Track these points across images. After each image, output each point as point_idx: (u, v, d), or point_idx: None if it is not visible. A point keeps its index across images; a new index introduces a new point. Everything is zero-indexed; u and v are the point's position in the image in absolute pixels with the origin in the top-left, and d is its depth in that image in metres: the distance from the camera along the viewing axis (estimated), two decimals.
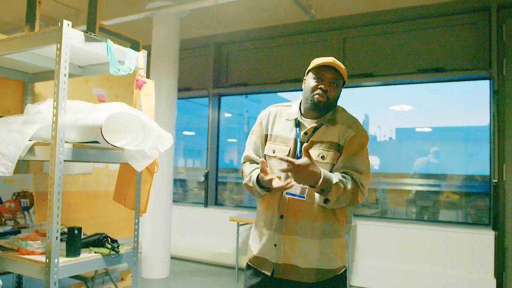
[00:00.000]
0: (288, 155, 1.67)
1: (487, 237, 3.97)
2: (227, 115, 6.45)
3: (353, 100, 5.64)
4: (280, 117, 1.79)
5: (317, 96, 1.67)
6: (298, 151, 1.68)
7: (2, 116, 2.22)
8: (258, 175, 1.67)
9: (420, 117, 5.61)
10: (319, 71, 1.69)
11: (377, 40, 4.87)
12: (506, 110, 4.12)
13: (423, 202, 4.95)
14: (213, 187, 5.74)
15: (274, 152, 1.72)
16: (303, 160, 1.48)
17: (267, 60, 5.51)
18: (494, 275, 3.90)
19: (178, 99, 4.92)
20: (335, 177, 1.55)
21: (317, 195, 1.60)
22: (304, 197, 1.62)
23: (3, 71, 2.62)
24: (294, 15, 4.94)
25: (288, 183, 1.57)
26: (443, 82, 4.68)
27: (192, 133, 7.89)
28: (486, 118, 4.26)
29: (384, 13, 4.70)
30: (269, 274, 1.68)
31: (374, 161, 5.59)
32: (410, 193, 5.08)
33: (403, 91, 5.30)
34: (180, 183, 6.67)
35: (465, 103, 5.03)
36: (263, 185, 1.66)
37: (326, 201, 1.57)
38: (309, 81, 1.72)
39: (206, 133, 5.77)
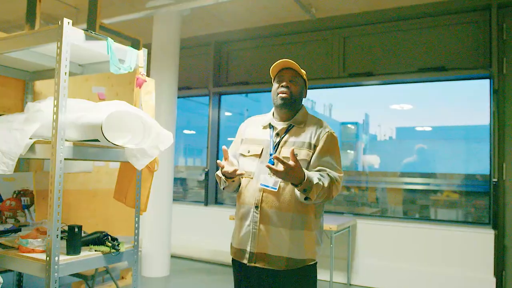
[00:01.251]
0: (260, 154, 1.88)
1: (487, 236, 3.97)
2: (227, 113, 6.45)
3: (353, 99, 5.64)
4: (255, 124, 2.01)
5: (281, 94, 1.88)
6: (272, 149, 1.86)
7: (2, 115, 2.22)
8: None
9: (421, 116, 5.61)
10: (278, 75, 1.94)
11: (378, 39, 4.87)
12: (506, 109, 4.12)
13: (423, 201, 4.96)
14: (213, 186, 5.75)
15: (248, 152, 1.92)
16: (293, 163, 1.62)
17: (267, 59, 5.51)
18: (494, 274, 3.91)
19: (178, 97, 4.92)
20: (315, 177, 1.69)
21: (297, 193, 1.73)
22: (276, 189, 1.78)
23: (4, 69, 2.62)
24: (294, 14, 4.94)
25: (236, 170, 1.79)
26: (444, 81, 4.68)
27: (193, 131, 7.89)
28: (486, 117, 4.26)
29: (384, 12, 4.70)
30: (246, 262, 1.82)
31: (375, 160, 5.59)
32: (410, 192, 5.08)
33: (403, 90, 5.30)
34: (180, 181, 6.68)
35: (466, 102, 5.03)
36: (225, 174, 1.86)
37: (306, 198, 1.71)
38: (274, 86, 1.95)
39: (206, 131, 5.78)
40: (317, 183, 1.68)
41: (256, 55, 5.63)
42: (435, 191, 4.91)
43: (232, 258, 1.95)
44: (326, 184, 1.71)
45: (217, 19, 5.26)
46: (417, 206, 4.98)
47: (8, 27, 5.44)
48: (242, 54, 5.77)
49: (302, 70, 1.92)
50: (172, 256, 4.99)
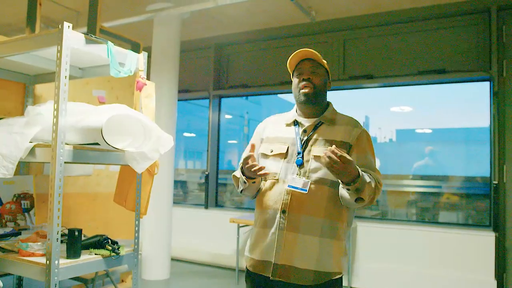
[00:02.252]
0: (286, 154, 1.69)
1: (487, 238, 3.97)
2: (228, 116, 6.45)
3: (353, 101, 5.65)
4: (277, 123, 1.83)
5: (303, 89, 1.71)
6: (299, 147, 1.68)
7: (2, 118, 2.22)
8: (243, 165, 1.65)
9: (421, 119, 5.61)
10: (297, 68, 1.76)
11: (378, 42, 4.88)
12: (506, 111, 4.12)
13: (424, 204, 4.95)
14: (213, 189, 5.74)
15: (271, 152, 1.73)
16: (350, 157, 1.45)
17: (267, 62, 5.52)
18: (495, 277, 3.90)
19: (178, 100, 4.92)
20: (366, 175, 1.52)
21: (345, 193, 1.54)
22: (306, 190, 1.59)
23: (4, 73, 2.63)
24: (294, 17, 4.95)
25: (261, 167, 1.57)
26: (444, 84, 4.68)
27: (193, 134, 7.90)
28: (486, 120, 4.26)
29: (384, 15, 4.71)
30: (269, 275, 1.62)
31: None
32: (411, 194, 5.08)
33: (403, 93, 5.30)
34: (180, 184, 6.67)
35: (466, 104, 5.03)
36: (246, 173, 1.64)
37: (358, 199, 1.51)
38: (294, 81, 1.78)
39: (207, 134, 5.78)
40: (369, 182, 1.51)
41: (256, 58, 5.63)
42: (435, 194, 4.91)
43: (250, 271, 1.72)
44: (373, 186, 1.54)
45: (217, 22, 5.27)
46: (417, 209, 4.98)
47: (9, 30, 5.45)
48: (243, 57, 5.78)
49: (323, 60, 1.74)
50: (172, 259, 4.98)
